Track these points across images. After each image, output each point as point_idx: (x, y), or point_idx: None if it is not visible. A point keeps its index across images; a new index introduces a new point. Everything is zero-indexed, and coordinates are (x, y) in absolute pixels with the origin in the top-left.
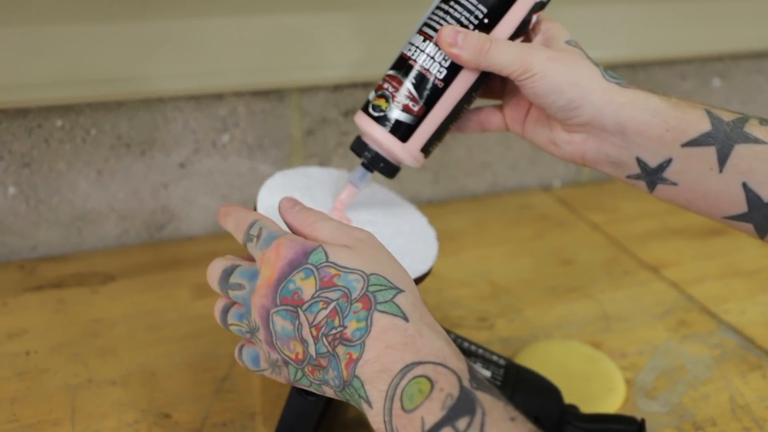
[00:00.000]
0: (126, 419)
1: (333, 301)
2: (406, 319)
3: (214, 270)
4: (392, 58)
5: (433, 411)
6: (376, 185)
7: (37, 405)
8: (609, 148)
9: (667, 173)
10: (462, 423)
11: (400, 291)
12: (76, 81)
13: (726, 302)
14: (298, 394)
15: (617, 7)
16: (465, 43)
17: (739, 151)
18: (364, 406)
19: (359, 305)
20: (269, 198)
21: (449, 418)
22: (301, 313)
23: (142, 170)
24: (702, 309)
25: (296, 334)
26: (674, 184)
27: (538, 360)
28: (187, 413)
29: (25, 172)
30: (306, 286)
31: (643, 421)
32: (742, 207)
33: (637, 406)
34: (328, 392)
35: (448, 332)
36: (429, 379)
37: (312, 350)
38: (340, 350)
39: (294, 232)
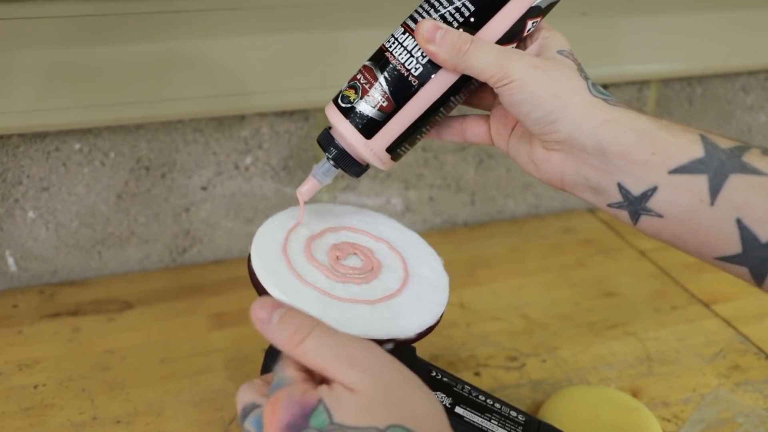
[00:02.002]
0: None
1: None
2: None
3: (239, 401)
4: None
5: None
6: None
7: None
8: (588, 171)
9: (652, 203)
10: None
11: None
12: (94, 104)
13: None
14: None
15: (673, 16)
16: (443, 41)
17: (735, 182)
18: None
19: None
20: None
21: None
22: None
23: (163, 193)
24: (759, 352)
25: None
26: (659, 216)
27: (567, 409)
28: None
29: (44, 196)
30: None
31: None
32: (735, 247)
33: None
34: None
35: (464, 383)
36: None
37: None
38: None
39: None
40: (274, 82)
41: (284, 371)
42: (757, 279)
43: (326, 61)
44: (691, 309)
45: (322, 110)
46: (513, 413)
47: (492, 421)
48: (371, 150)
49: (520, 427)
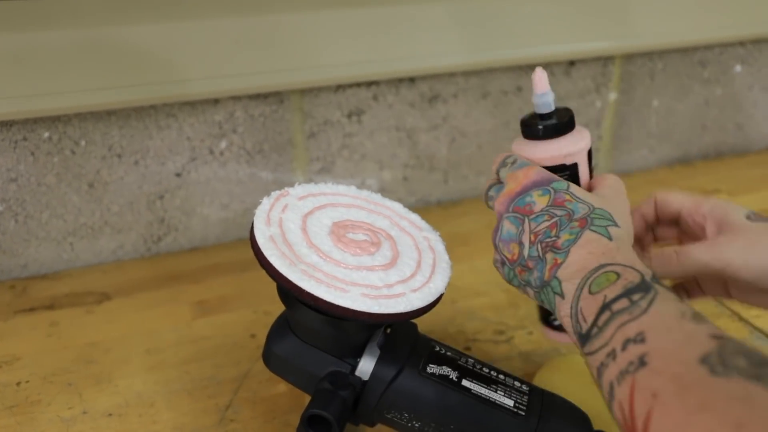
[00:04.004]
0: None
1: (557, 216)
2: (610, 239)
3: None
4: (395, 54)
5: (614, 291)
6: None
7: None
8: None
9: None
10: (636, 296)
11: (617, 225)
12: (63, 90)
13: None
14: None
15: None
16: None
17: None
18: (557, 300)
19: (576, 224)
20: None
21: (627, 292)
22: (527, 221)
23: (136, 181)
24: (732, 314)
25: (517, 237)
26: None
27: (560, 378)
28: None
29: (12, 188)
30: (539, 201)
31: None
32: None
33: None
34: (530, 293)
35: (467, 356)
36: (617, 273)
37: (525, 252)
38: (549, 256)
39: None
40: (247, 64)
41: (525, 159)
42: None
43: (300, 43)
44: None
45: (296, 92)
46: (517, 383)
47: (498, 392)
48: None
49: (525, 396)
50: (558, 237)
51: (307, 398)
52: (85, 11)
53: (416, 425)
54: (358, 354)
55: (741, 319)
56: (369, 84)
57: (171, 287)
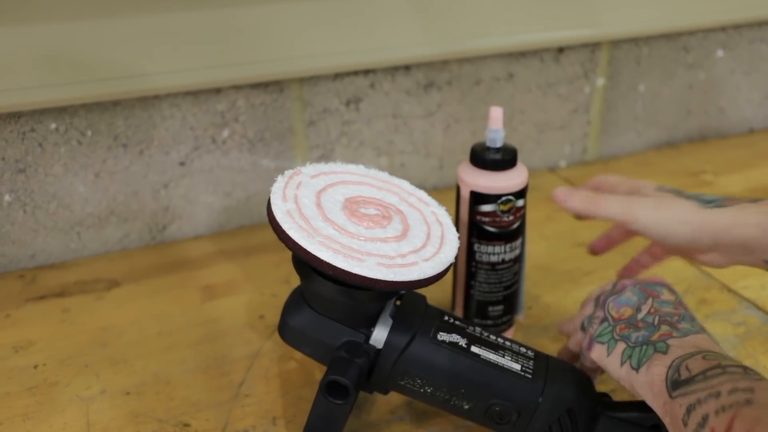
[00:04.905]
0: (144, 430)
1: (682, 312)
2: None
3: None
4: (391, 42)
5: (732, 364)
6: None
7: (50, 420)
8: (740, 259)
9: None
10: (751, 372)
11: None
12: (69, 82)
13: (744, 278)
14: (324, 399)
15: None
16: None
17: None
18: (655, 355)
19: (699, 326)
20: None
21: (743, 368)
22: (651, 299)
23: (141, 170)
24: (722, 286)
25: (635, 305)
26: None
27: None
28: (206, 421)
29: (21, 178)
30: (668, 295)
31: None
32: None
33: None
34: (620, 346)
35: (474, 325)
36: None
37: (639, 316)
38: (664, 327)
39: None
40: (248, 53)
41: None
42: None
43: (299, 32)
44: None
45: (296, 81)
46: (522, 349)
47: (506, 357)
48: None
49: (531, 361)
50: (679, 322)
51: (318, 374)
52: (87, 2)
53: (428, 391)
54: (372, 324)
55: (730, 290)
56: (366, 72)
57: (178, 273)
